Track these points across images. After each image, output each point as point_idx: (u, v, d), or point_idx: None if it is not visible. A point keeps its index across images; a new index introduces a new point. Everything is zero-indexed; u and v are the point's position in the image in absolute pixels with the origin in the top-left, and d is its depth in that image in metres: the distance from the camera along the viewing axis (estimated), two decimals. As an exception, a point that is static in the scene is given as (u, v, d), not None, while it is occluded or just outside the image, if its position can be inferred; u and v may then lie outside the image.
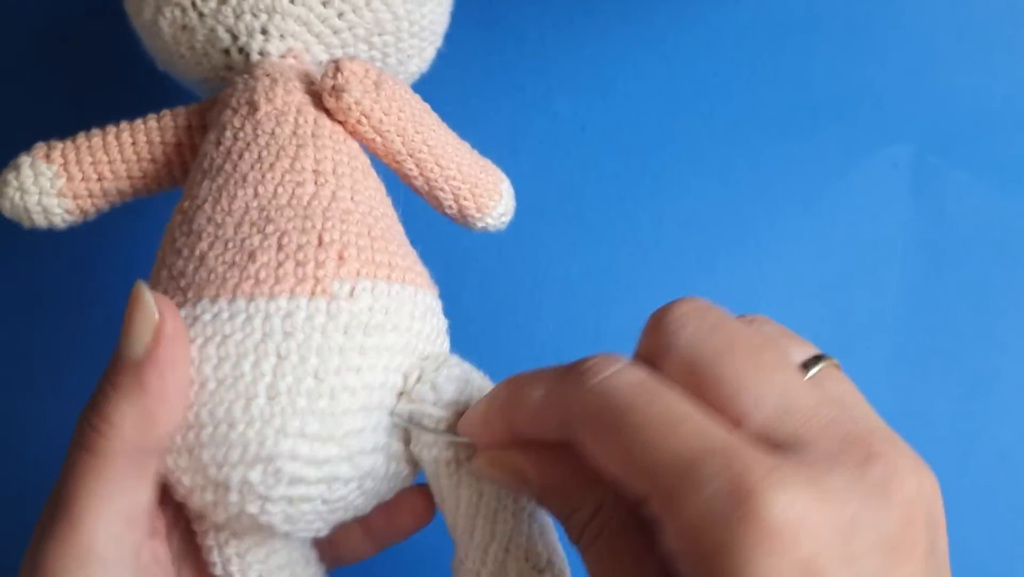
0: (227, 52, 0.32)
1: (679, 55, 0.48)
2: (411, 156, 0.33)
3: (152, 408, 0.26)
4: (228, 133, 0.30)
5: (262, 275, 0.27)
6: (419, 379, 0.28)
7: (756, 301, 0.46)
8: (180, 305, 0.28)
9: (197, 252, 0.28)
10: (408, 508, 0.32)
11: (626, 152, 0.48)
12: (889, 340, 0.46)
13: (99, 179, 0.33)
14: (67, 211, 0.33)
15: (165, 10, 0.32)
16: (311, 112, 0.31)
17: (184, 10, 0.31)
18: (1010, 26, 0.48)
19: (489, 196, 0.35)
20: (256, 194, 0.29)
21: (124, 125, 0.34)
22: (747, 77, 0.48)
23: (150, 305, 0.26)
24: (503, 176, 0.36)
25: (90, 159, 0.33)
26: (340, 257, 0.28)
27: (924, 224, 0.47)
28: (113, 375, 0.26)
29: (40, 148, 0.33)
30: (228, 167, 0.29)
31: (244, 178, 0.29)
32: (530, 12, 0.49)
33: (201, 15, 0.31)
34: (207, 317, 0.27)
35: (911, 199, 0.47)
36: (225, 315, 0.27)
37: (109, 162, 0.33)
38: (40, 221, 0.33)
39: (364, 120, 0.31)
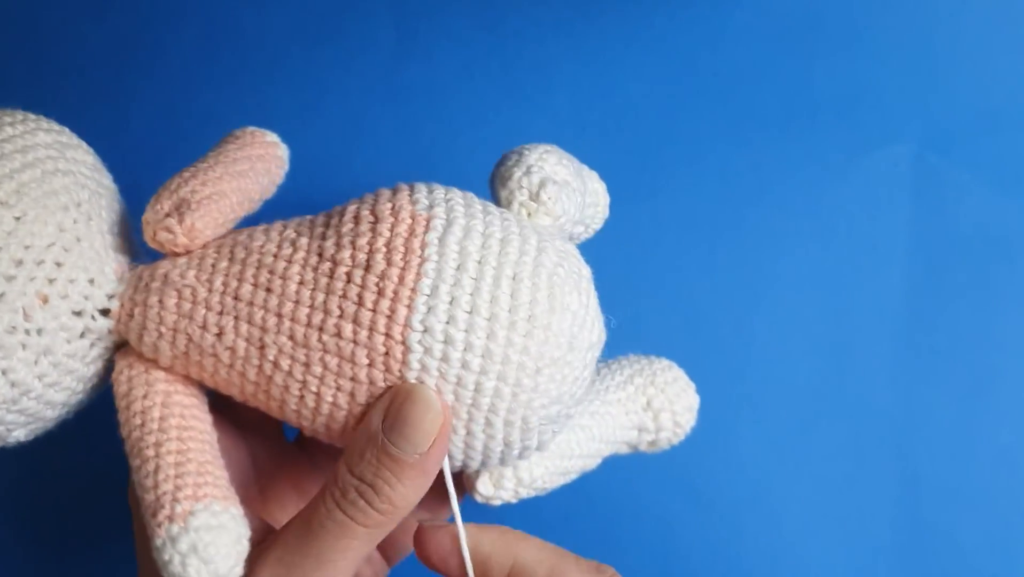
0: (83, 334, 0.30)
1: (679, 55, 0.48)
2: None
3: (428, 484, 0.29)
4: (224, 322, 0.30)
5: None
6: None
7: (756, 301, 0.46)
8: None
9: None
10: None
11: (626, 152, 0.48)
12: (889, 340, 0.46)
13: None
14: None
15: (12, 364, 0.29)
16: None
17: (25, 346, 0.29)
18: (1010, 26, 0.48)
19: None
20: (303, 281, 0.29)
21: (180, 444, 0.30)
22: (747, 77, 0.48)
23: (436, 407, 0.28)
24: None
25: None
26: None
27: (924, 224, 0.47)
28: (398, 469, 0.28)
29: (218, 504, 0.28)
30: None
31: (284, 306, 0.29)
32: (530, 12, 0.49)
33: (40, 331, 0.29)
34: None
35: (911, 199, 0.47)
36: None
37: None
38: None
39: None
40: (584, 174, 0.35)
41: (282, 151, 0.36)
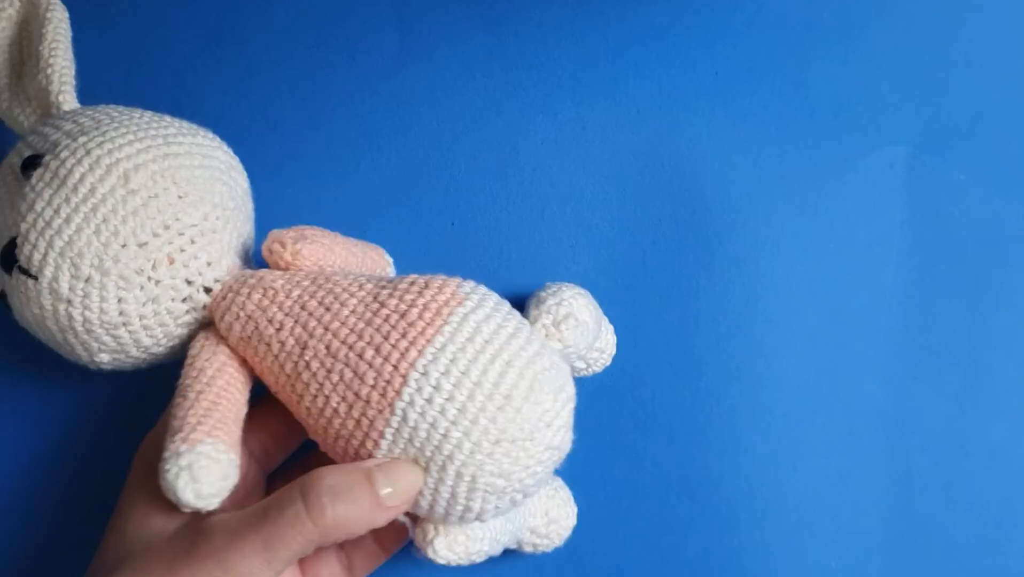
0: (185, 299, 0.38)
1: (679, 55, 0.49)
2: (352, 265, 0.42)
3: (370, 523, 0.34)
4: (286, 321, 0.37)
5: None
6: None
7: (753, 301, 0.47)
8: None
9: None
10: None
11: (626, 152, 0.48)
12: (884, 340, 0.46)
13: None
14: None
15: (128, 296, 0.36)
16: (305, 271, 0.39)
17: (143, 287, 0.36)
18: (1007, 27, 0.48)
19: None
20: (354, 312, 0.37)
21: (212, 384, 0.37)
22: (747, 77, 0.48)
23: (416, 487, 0.35)
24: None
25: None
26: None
27: (919, 224, 0.47)
28: (366, 491, 0.34)
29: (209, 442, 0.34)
30: (308, 337, 0.36)
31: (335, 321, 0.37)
32: (530, 12, 0.49)
33: (158, 282, 0.37)
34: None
35: (907, 200, 0.47)
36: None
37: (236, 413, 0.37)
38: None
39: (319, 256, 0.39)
40: (604, 324, 0.43)
41: (389, 266, 0.45)
